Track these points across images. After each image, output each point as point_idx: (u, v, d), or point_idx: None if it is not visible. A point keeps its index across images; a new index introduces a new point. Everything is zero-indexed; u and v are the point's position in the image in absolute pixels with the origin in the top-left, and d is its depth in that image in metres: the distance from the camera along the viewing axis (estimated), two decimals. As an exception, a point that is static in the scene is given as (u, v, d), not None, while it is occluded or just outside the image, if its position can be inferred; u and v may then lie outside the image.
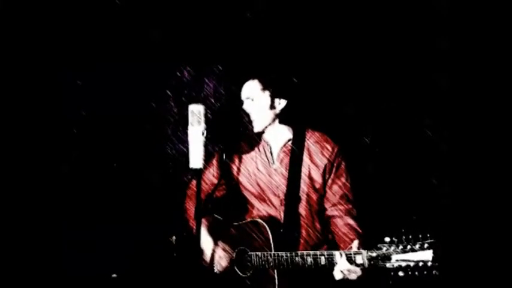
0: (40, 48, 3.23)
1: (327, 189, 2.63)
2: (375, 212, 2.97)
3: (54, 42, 3.25)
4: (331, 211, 2.62)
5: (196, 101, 2.41)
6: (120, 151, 3.29)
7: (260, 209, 2.67)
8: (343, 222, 2.56)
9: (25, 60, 3.21)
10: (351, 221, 2.55)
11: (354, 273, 2.26)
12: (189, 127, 2.31)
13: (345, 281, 2.29)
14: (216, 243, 2.66)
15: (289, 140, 2.70)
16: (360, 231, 2.52)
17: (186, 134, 2.32)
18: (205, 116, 2.32)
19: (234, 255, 2.61)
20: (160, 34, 3.26)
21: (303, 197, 2.61)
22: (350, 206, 2.60)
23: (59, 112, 3.27)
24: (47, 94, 3.27)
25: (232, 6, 3.27)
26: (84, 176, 3.25)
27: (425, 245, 2.04)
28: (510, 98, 3.04)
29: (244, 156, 2.74)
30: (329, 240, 2.62)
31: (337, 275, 2.29)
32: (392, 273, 2.07)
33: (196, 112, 2.31)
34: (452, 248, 2.70)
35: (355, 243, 2.31)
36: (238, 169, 2.74)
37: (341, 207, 2.60)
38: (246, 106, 2.69)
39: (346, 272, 2.27)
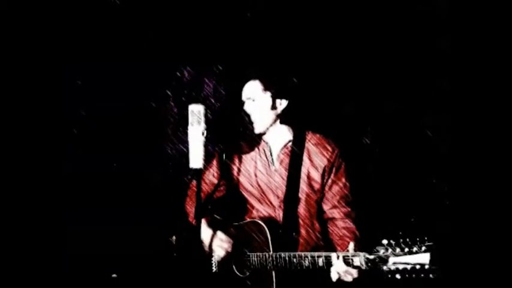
0: (40, 48, 3.23)
1: (326, 190, 2.62)
2: (372, 214, 2.96)
3: (54, 43, 3.24)
4: (330, 213, 2.62)
5: (196, 101, 2.40)
6: (120, 151, 3.29)
7: (260, 209, 2.67)
8: (341, 225, 2.57)
9: (25, 60, 3.21)
10: (350, 224, 2.56)
11: (351, 275, 2.25)
12: (189, 127, 2.30)
13: (342, 282, 2.29)
14: (215, 244, 2.66)
15: (289, 141, 2.69)
16: (358, 234, 2.52)
17: (186, 134, 2.32)
18: (205, 116, 2.32)
19: (232, 255, 2.61)
20: (159, 34, 3.27)
21: (303, 198, 2.60)
22: (349, 209, 2.59)
23: (59, 112, 3.28)
24: (47, 94, 3.27)
25: (232, 6, 3.27)
26: (84, 176, 3.25)
27: (423, 248, 2.02)
28: (510, 98, 3.04)
29: (244, 157, 2.74)
30: (327, 241, 2.61)
31: (334, 276, 2.28)
32: (389, 276, 2.06)
33: (196, 112, 2.30)
34: (450, 251, 2.70)
35: (351, 246, 2.28)
36: (238, 169, 2.73)
37: (340, 210, 2.59)
38: (247, 107, 2.68)
39: (342, 274, 2.26)
